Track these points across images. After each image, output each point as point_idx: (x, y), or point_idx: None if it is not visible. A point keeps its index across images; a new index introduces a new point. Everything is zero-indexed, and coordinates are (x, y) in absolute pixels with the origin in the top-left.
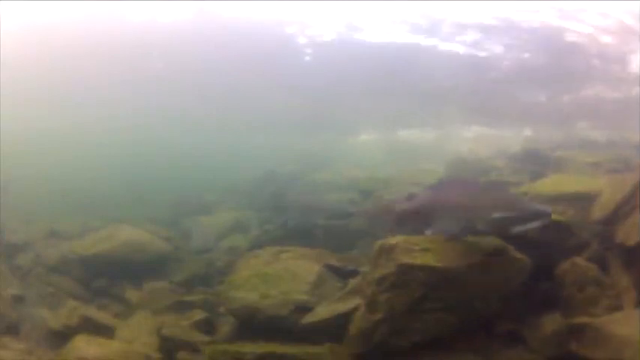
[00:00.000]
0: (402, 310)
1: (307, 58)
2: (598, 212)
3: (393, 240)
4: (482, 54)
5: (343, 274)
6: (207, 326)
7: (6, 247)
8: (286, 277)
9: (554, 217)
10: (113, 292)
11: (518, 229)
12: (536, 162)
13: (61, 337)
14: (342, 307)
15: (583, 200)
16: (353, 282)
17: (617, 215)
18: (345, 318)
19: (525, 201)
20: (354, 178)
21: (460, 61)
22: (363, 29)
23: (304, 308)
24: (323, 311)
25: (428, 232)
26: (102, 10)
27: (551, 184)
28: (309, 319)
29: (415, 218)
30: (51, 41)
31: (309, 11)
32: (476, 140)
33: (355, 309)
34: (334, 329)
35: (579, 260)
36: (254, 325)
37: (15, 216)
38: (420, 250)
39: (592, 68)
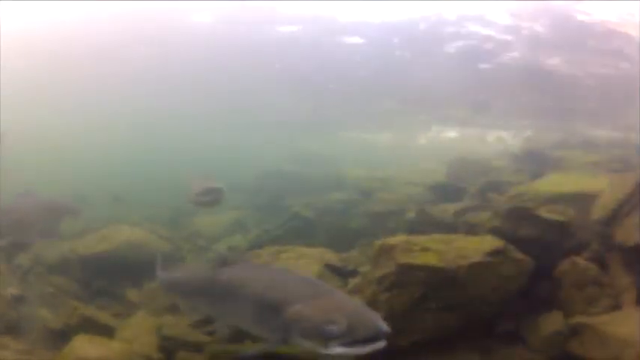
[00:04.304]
0: (402, 310)
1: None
2: (598, 212)
3: (393, 240)
4: None
5: (343, 274)
6: (208, 326)
7: (6, 247)
8: None
9: (555, 217)
10: (113, 292)
11: None
12: (536, 162)
13: (61, 337)
14: None
15: (583, 200)
16: (353, 282)
17: (617, 215)
18: None
19: None
20: (355, 177)
21: None
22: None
23: None
24: None
25: None
26: (104, 10)
27: (551, 183)
28: None
29: None
30: (53, 41)
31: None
32: (476, 140)
33: None
34: None
35: (579, 260)
36: None
37: None
38: (420, 250)
39: None
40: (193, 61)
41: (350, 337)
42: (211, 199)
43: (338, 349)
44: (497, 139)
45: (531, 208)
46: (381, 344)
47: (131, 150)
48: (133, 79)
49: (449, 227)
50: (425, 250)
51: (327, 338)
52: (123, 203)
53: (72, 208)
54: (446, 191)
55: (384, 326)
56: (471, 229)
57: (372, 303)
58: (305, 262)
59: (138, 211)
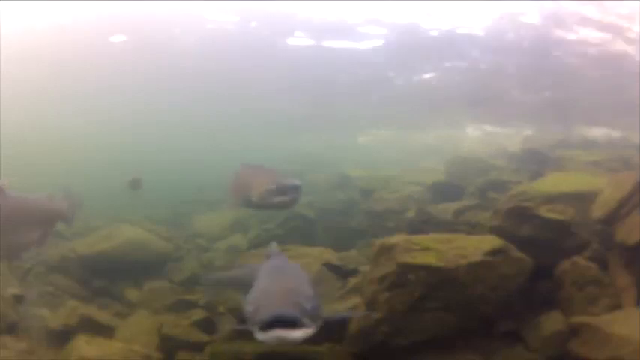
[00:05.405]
0: (402, 310)
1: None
2: (598, 211)
3: (393, 239)
4: None
5: (343, 273)
6: (208, 325)
7: None
8: None
9: (555, 216)
10: (113, 291)
11: None
12: (536, 161)
13: (61, 336)
14: (342, 306)
15: (583, 200)
16: (353, 281)
17: (617, 214)
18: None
19: None
20: (355, 177)
21: None
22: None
23: None
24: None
25: None
26: (104, 11)
27: (551, 183)
28: None
29: None
30: (53, 42)
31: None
32: (477, 140)
33: (355, 308)
34: (334, 328)
35: (579, 259)
36: None
37: None
38: (420, 250)
39: None
40: (194, 63)
41: (254, 321)
42: (287, 199)
43: (259, 335)
44: (496, 138)
45: (531, 207)
46: (297, 333)
47: (131, 150)
48: (134, 80)
49: (449, 226)
50: (425, 249)
51: (251, 321)
52: (139, 189)
53: (62, 212)
54: (446, 191)
55: (292, 313)
56: (471, 229)
57: (372, 302)
58: (305, 262)
59: (138, 210)
